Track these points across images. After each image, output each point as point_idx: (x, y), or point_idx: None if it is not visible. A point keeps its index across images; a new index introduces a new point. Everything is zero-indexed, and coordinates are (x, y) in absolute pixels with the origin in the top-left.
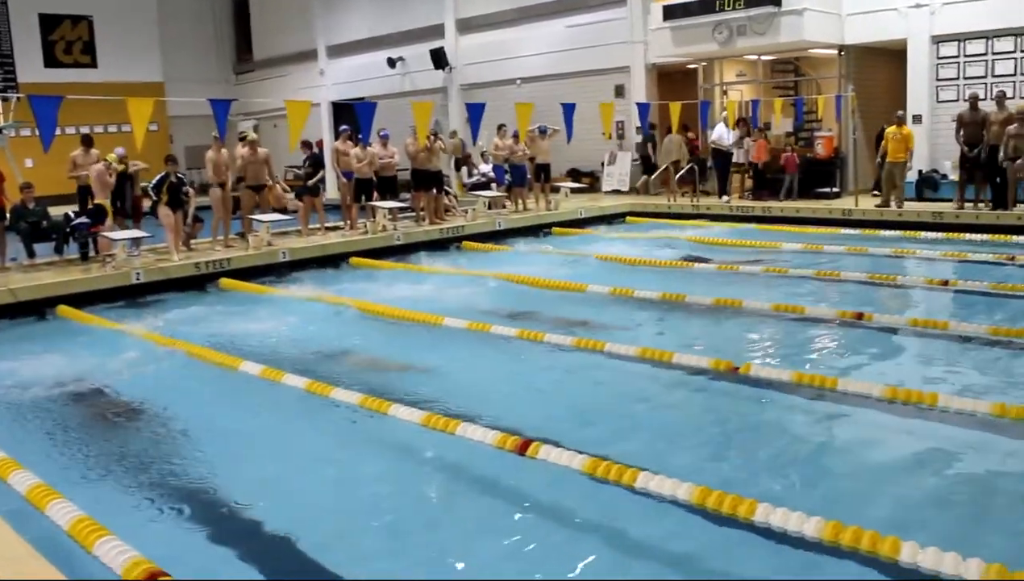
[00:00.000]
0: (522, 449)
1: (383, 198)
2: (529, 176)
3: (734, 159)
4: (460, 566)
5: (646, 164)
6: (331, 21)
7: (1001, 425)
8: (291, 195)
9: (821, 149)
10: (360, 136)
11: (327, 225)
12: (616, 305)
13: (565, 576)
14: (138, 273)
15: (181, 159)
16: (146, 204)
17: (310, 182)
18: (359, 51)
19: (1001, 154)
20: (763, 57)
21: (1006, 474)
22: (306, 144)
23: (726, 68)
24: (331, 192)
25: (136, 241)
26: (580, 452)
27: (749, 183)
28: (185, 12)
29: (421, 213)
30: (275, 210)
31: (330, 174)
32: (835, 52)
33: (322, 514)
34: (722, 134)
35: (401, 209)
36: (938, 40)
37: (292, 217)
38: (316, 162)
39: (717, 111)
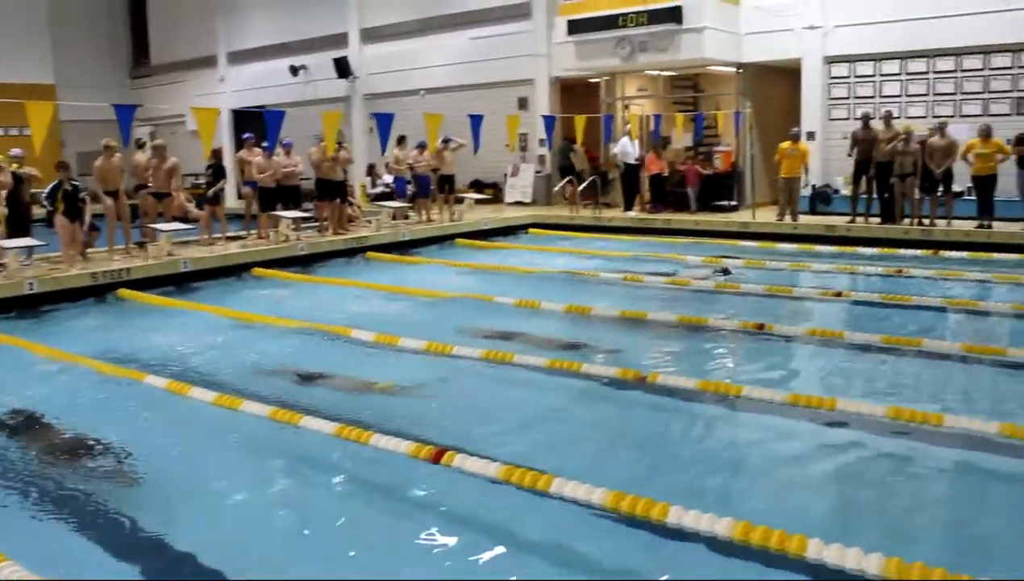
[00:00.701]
0: (436, 458)
1: (286, 208)
2: (433, 187)
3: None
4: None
5: (567, 174)
6: (232, 27)
7: (895, 427)
8: (192, 204)
9: (719, 163)
10: (266, 145)
11: (228, 235)
12: (522, 316)
13: None
14: (31, 283)
15: (73, 165)
16: (36, 211)
17: (211, 191)
18: (261, 58)
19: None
20: (664, 73)
21: (899, 473)
22: (214, 152)
23: (628, 83)
24: (231, 201)
25: (28, 249)
26: (493, 460)
27: (647, 196)
28: (78, 13)
29: (324, 223)
30: (176, 219)
31: (231, 183)
32: (733, 70)
33: (232, 530)
34: (626, 148)
35: (304, 219)
36: (830, 60)
37: (193, 226)
38: (218, 170)
39: (620, 125)
